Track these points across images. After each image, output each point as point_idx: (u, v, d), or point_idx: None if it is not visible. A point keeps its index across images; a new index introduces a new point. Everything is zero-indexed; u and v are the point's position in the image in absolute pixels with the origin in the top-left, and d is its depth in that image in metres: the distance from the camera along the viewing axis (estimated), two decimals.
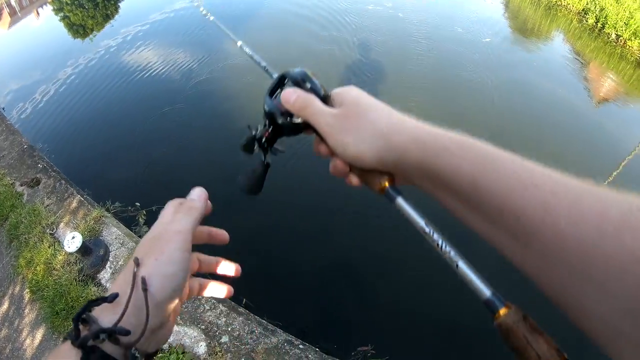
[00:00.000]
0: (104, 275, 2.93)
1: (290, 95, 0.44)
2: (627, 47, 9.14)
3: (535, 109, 6.03)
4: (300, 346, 2.57)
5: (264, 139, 0.50)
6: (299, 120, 0.46)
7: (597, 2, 9.75)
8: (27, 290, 3.05)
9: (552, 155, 5.15)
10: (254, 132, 0.51)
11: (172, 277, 0.38)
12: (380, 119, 0.41)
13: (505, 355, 0.32)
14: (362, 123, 0.41)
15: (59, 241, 3.24)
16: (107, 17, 9.96)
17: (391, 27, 7.91)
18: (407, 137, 0.38)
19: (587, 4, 9.99)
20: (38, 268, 3.05)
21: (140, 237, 3.25)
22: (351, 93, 0.44)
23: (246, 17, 8.09)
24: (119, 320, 0.34)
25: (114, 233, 3.15)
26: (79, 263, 2.94)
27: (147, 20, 8.36)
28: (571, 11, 10.44)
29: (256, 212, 3.83)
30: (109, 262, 2.97)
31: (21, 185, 3.90)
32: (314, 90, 0.46)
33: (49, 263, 3.04)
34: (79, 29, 9.65)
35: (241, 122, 4.84)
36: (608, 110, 6.93)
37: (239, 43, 0.82)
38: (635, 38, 8.95)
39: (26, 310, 2.98)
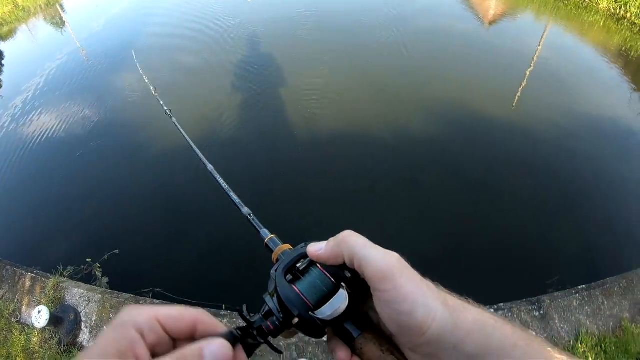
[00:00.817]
0: (83, 337, 2.84)
1: (321, 244, 0.40)
2: None
3: (438, 45, 6.31)
4: None
5: (265, 331, 0.41)
6: (338, 312, 0.39)
7: None
8: None
9: (463, 84, 5.44)
10: (253, 318, 0.42)
11: None
12: (433, 288, 0.36)
13: None
14: (425, 284, 0.36)
15: (27, 325, 3.08)
16: None
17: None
18: (472, 319, 0.34)
19: None
20: (18, 359, 2.90)
21: (105, 289, 3.16)
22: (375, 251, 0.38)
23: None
24: None
25: (76, 294, 3.04)
26: (55, 335, 2.82)
27: (27, 86, 7.86)
28: None
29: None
30: (83, 323, 2.87)
31: None
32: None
33: (27, 349, 2.90)
34: None
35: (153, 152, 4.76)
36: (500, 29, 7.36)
37: (210, 167, 0.96)
38: None
39: None
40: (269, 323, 0.40)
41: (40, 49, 9.03)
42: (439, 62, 6.03)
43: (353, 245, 0.38)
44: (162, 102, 1.59)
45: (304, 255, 0.43)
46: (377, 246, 0.37)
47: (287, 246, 0.53)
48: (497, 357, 0.32)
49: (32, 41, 9.68)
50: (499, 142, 4.62)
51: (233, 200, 0.75)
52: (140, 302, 3.20)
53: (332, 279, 0.40)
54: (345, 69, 5.99)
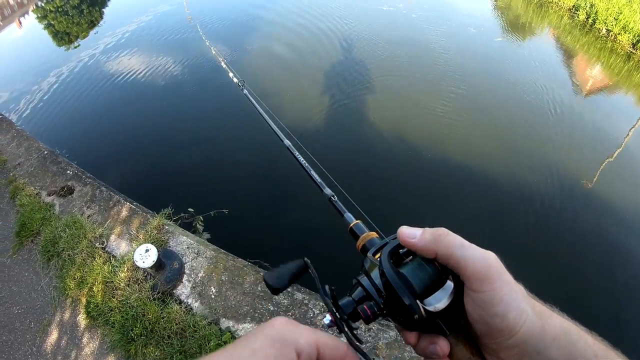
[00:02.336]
0: (183, 290, 2.49)
1: (414, 230, 0.39)
2: (618, 41, 9.46)
3: (529, 104, 5.98)
4: None
5: (362, 316, 0.39)
6: (441, 305, 0.37)
7: None
8: (83, 315, 2.56)
9: (548, 148, 5.08)
10: (342, 301, 0.40)
11: None
12: (523, 292, 0.36)
13: None
14: (518, 286, 0.36)
15: (113, 255, 2.77)
16: (92, 24, 9.50)
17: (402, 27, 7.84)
18: (559, 325, 0.34)
19: (577, 1, 10.31)
20: (95, 289, 2.57)
21: (217, 247, 2.83)
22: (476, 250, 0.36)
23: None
24: None
25: (183, 242, 2.72)
26: (150, 279, 2.49)
27: (133, 23, 8.07)
28: (562, 8, 10.76)
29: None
30: (185, 275, 2.54)
31: (49, 194, 3.38)
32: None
33: (109, 282, 2.56)
34: (63, 37, 9.11)
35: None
36: (596, 101, 7.04)
37: (287, 142, 0.96)
38: (624, 32, 9.28)
39: (84, 339, 2.48)
40: (365, 308, 0.38)
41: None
42: (531, 123, 5.66)
43: (451, 244, 0.36)
44: (232, 75, 1.57)
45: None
46: (474, 245, 0.36)
47: (374, 234, 0.51)
48: None
49: None
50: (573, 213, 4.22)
51: (314, 180, 0.71)
52: (287, 318, 2.83)
53: (440, 268, 0.37)
54: (467, 104, 5.70)
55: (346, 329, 0.38)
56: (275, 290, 0.42)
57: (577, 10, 10.18)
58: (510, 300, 0.33)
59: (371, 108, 5.25)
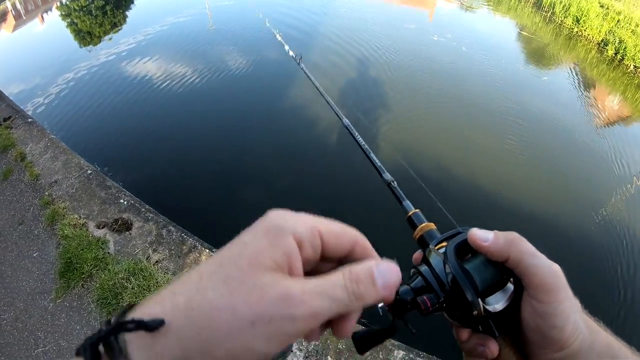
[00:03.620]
0: None
1: (487, 233, 0.36)
2: None
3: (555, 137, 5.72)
4: None
5: (422, 307, 0.36)
6: (499, 307, 0.35)
7: (615, 34, 10.02)
8: None
9: (563, 181, 4.81)
10: (410, 285, 0.38)
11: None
12: (579, 306, 0.35)
13: None
14: (575, 300, 0.35)
15: None
16: (115, 26, 9.12)
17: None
18: (605, 342, 0.34)
19: (606, 36, 10.21)
20: None
21: None
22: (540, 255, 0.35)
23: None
24: None
25: None
26: None
27: (155, 27, 7.77)
28: (591, 41, 10.63)
29: None
30: (296, 344, 1.99)
31: (99, 226, 2.79)
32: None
33: None
34: (85, 36, 8.64)
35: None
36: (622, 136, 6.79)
37: (345, 121, 0.85)
38: None
39: None
40: (426, 299, 0.36)
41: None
42: (543, 153, 5.38)
43: (524, 251, 0.34)
44: (288, 48, 1.53)
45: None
46: (543, 255, 0.35)
47: (433, 225, 0.49)
48: None
49: None
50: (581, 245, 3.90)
51: (373, 163, 0.68)
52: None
53: (501, 270, 0.36)
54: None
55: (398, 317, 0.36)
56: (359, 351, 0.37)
57: (606, 45, 9.94)
58: (570, 314, 0.33)
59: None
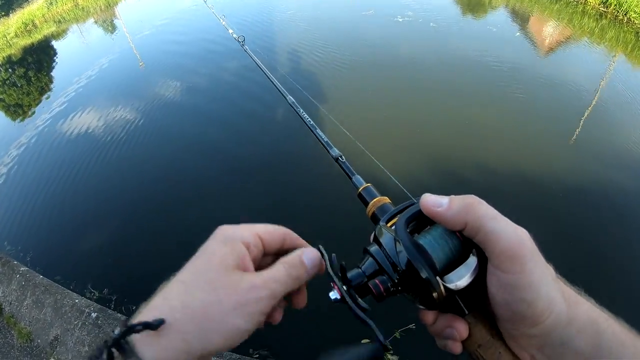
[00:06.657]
0: None
1: (440, 199, 0.34)
2: (588, 3, 9.28)
3: (494, 75, 5.48)
4: None
5: (374, 292, 0.35)
6: (463, 283, 0.32)
7: None
8: None
9: (518, 114, 4.65)
10: (350, 274, 0.37)
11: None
12: (553, 274, 0.32)
13: None
14: (549, 270, 0.32)
15: None
16: (43, 90, 8.99)
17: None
18: (586, 316, 0.31)
19: None
20: None
21: None
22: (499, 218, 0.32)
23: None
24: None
25: None
26: None
27: (82, 79, 7.71)
28: None
29: None
30: None
31: None
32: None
33: None
34: (16, 109, 8.59)
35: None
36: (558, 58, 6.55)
37: (290, 98, 0.89)
38: None
39: None
40: (378, 282, 0.35)
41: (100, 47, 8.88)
42: (494, 90, 5.13)
43: (482, 214, 0.32)
44: (231, 31, 1.58)
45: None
46: (507, 219, 0.32)
47: (387, 199, 0.46)
48: (606, 357, 0.30)
49: (101, 37, 9.52)
50: (555, 178, 3.68)
51: (319, 139, 0.66)
52: None
53: (463, 241, 0.33)
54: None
55: (349, 301, 0.35)
56: None
57: None
58: (541, 286, 0.30)
59: None
